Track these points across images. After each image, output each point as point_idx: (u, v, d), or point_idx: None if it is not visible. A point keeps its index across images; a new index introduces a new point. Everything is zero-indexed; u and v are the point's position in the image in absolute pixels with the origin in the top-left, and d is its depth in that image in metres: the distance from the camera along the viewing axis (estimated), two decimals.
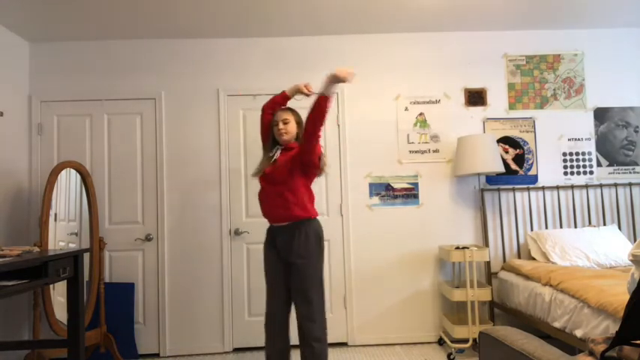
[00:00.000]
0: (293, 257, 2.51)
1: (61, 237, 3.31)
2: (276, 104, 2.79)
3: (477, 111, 3.93)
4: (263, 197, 2.63)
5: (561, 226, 3.84)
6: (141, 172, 3.79)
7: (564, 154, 3.93)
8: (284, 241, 2.55)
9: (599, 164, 3.94)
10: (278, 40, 3.91)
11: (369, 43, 3.94)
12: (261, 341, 3.70)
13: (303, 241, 2.50)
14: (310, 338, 2.46)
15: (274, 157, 2.65)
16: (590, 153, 3.94)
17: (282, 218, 2.54)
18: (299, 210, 2.51)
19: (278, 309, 2.60)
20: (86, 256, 3.43)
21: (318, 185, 3.80)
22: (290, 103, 3.90)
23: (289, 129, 2.65)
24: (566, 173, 3.92)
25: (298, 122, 2.69)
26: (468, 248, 3.36)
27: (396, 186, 3.86)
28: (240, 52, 3.90)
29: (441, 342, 3.71)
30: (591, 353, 1.32)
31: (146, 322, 3.70)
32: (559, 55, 3.99)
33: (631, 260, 1.47)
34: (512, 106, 3.95)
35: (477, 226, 3.86)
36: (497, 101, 3.94)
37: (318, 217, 2.63)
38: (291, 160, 2.55)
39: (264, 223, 2.86)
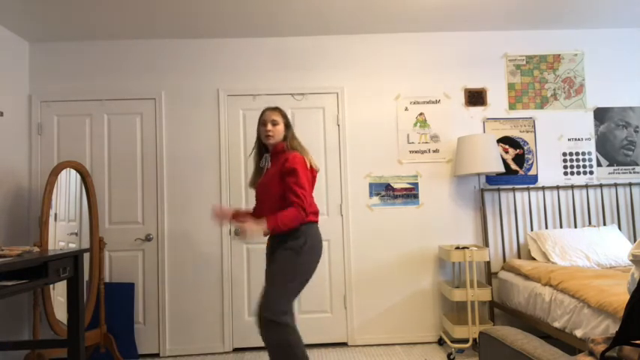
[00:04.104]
0: None
1: (61, 237, 3.31)
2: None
3: (477, 111, 3.93)
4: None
5: (561, 226, 3.84)
6: (141, 172, 3.79)
7: (564, 154, 3.93)
8: None
9: (599, 164, 3.94)
10: (278, 40, 3.91)
11: (369, 43, 3.94)
12: (260, 341, 3.70)
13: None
14: None
15: (265, 167, 2.59)
16: (590, 153, 3.94)
17: None
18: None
19: None
20: (86, 256, 3.43)
21: (318, 185, 3.81)
22: (290, 103, 3.91)
23: (277, 131, 2.52)
24: (566, 173, 3.92)
25: (287, 125, 2.56)
26: (468, 248, 3.36)
27: (396, 186, 3.86)
28: (240, 52, 3.90)
29: (441, 342, 3.71)
30: (591, 353, 1.32)
31: (146, 322, 3.70)
32: (559, 55, 3.99)
33: (631, 260, 1.47)
34: (512, 106, 3.95)
35: (477, 226, 3.86)
36: (497, 101, 3.94)
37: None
38: (276, 184, 2.44)
39: None
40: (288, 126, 2.56)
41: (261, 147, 2.63)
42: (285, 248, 2.41)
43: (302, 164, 2.41)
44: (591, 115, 3.97)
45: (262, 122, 2.54)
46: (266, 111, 2.55)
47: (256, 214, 2.61)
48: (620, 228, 3.81)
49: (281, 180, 2.42)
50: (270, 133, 2.49)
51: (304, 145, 2.58)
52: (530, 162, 3.91)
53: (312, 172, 2.49)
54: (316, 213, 2.53)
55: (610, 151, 3.95)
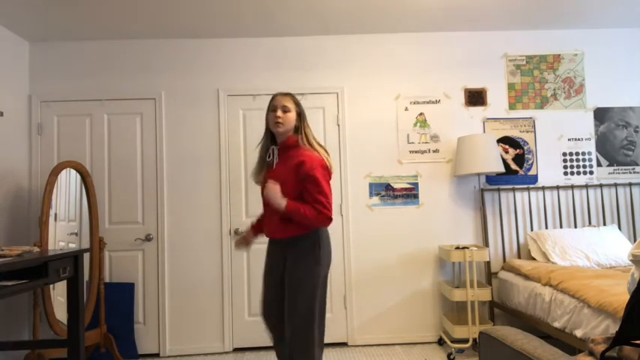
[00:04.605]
0: None
1: (61, 237, 3.31)
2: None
3: (477, 111, 3.93)
4: None
5: (561, 226, 3.84)
6: (141, 172, 3.79)
7: (564, 154, 3.93)
8: None
9: (599, 164, 3.94)
10: (278, 40, 3.91)
11: (369, 43, 3.94)
12: (260, 341, 3.70)
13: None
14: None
15: (272, 162, 2.32)
16: (590, 153, 3.94)
17: None
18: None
19: None
20: (86, 256, 3.43)
21: None
22: None
23: (288, 119, 2.23)
24: (566, 173, 3.92)
25: (299, 113, 2.27)
26: (468, 248, 3.36)
27: (396, 186, 3.86)
28: (240, 52, 3.90)
29: (441, 342, 3.71)
30: (591, 353, 1.32)
31: (146, 322, 3.70)
32: (559, 55, 3.99)
33: (631, 260, 1.47)
34: (512, 106, 3.95)
35: (476, 226, 3.86)
36: (497, 101, 3.94)
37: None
38: (290, 182, 2.19)
39: None
40: (300, 115, 2.28)
41: (270, 138, 2.35)
42: (299, 256, 2.18)
43: (321, 168, 2.17)
44: (591, 115, 3.97)
45: (272, 108, 2.27)
46: (277, 96, 2.28)
47: (265, 216, 2.36)
48: (620, 228, 3.81)
49: (296, 181, 2.17)
50: (280, 120, 2.22)
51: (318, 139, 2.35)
52: (530, 162, 3.91)
53: (330, 173, 2.26)
54: None
55: (610, 151, 3.95)
